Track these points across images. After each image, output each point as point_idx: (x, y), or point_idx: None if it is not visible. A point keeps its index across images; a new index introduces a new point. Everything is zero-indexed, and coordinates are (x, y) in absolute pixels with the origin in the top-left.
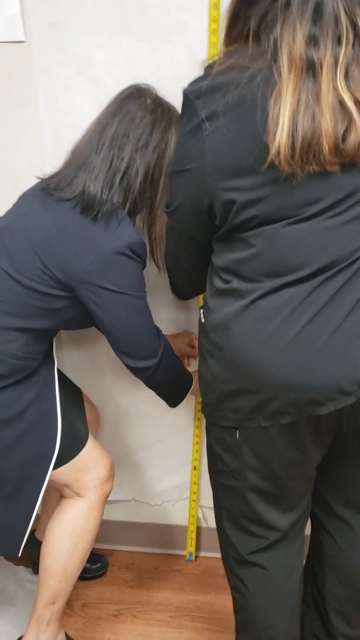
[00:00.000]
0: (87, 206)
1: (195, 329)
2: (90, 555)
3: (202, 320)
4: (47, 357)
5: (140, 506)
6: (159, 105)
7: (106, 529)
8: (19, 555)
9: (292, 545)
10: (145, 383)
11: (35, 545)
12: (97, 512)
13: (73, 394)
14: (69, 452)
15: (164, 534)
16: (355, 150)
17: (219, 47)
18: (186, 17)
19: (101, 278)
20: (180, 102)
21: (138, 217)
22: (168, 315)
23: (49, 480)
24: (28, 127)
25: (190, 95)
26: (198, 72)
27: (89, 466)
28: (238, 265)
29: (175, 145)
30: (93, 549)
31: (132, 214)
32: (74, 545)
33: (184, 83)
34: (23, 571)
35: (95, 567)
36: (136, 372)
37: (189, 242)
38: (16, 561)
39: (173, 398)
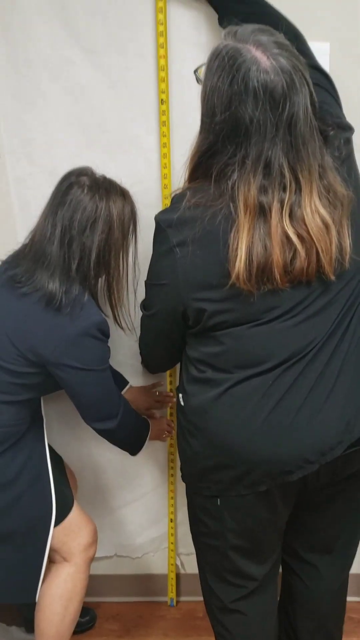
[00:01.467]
0: (50, 300)
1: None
2: None
3: (182, 404)
4: (36, 416)
5: (122, 559)
6: (97, 191)
7: (92, 582)
8: (36, 600)
9: (267, 592)
10: (108, 440)
11: (27, 604)
12: (83, 575)
13: (55, 461)
14: (60, 512)
15: (146, 583)
16: (300, 273)
17: (172, 164)
18: (140, 133)
19: (68, 358)
20: (140, 203)
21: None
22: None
23: None
24: (3, 227)
25: (162, 224)
26: (153, 177)
27: (74, 531)
28: (211, 358)
29: (151, 262)
30: None
31: (92, 290)
32: (64, 607)
33: (142, 186)
34: (16, 631)
35: (84, 620)
36: (99, 432)
37: (165, 337)
38: (9, 621)
39: (133, 448)
